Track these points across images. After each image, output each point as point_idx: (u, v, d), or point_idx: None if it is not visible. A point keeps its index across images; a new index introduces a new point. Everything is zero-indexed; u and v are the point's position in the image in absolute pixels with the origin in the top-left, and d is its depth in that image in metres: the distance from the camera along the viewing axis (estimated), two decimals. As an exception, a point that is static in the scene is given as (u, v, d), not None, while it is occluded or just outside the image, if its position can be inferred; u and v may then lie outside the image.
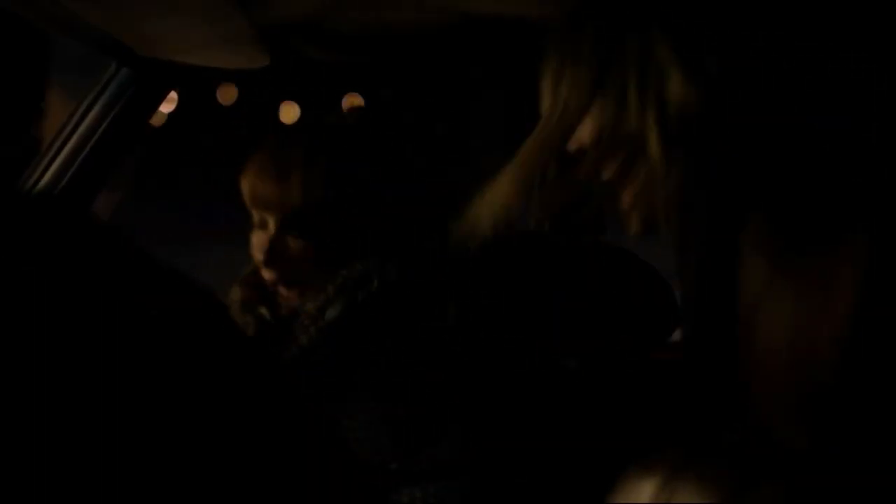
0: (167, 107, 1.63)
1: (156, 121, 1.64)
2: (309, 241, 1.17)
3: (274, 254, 1.17)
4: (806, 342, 0.63)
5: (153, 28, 1.28)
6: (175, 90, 1.60)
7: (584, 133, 0.73)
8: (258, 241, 1.20)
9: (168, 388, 0.62)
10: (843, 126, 0.66)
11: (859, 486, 0.58)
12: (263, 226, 1.19)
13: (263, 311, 1.22)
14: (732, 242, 0.69)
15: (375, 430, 1.11)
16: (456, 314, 1.14)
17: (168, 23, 1.25)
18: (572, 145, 0.74)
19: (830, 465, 0.60)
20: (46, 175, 1.51)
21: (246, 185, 1.21)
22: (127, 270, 0.64)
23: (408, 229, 1.20)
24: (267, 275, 1.20)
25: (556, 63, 0.75)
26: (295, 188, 1.16)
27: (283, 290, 1.21)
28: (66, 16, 1.19)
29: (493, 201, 0.75)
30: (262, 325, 1.21)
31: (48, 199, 1.34)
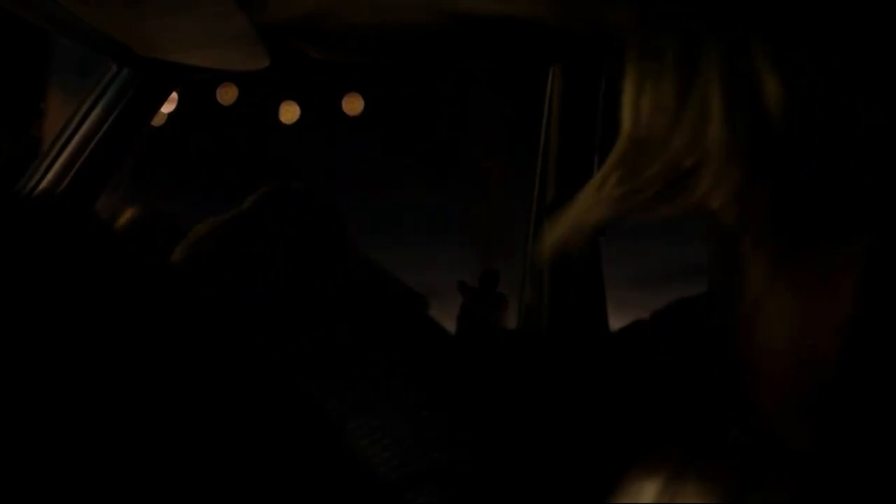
0: (167, 107, 1.63)
1: (156, 121, 1.64)
2: None
3: None
4: (808, 342, 0.63)
5: (153, 28, 1.28)
6: (175, 90, 1.60)
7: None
8: None
9: (166, 388, 0.62)
10: (847, 126, 0.66)
11: (860, 486, 0.59)
12: None
13: None
14: (735, 240, 0.69)
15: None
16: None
17: (168, 23, 1.25)
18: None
19: (832, 465, 0.60)
20: (48, 176, 1.50)
21: None
22: (126, 271, 0.64)
23: None
24: None
25: (636, 76, 0.73)
26: None
27: None
28: (66, 16, 1.19)
29: (579, 217, 0.74)
30: None
31: (49, 201, 1.34)
